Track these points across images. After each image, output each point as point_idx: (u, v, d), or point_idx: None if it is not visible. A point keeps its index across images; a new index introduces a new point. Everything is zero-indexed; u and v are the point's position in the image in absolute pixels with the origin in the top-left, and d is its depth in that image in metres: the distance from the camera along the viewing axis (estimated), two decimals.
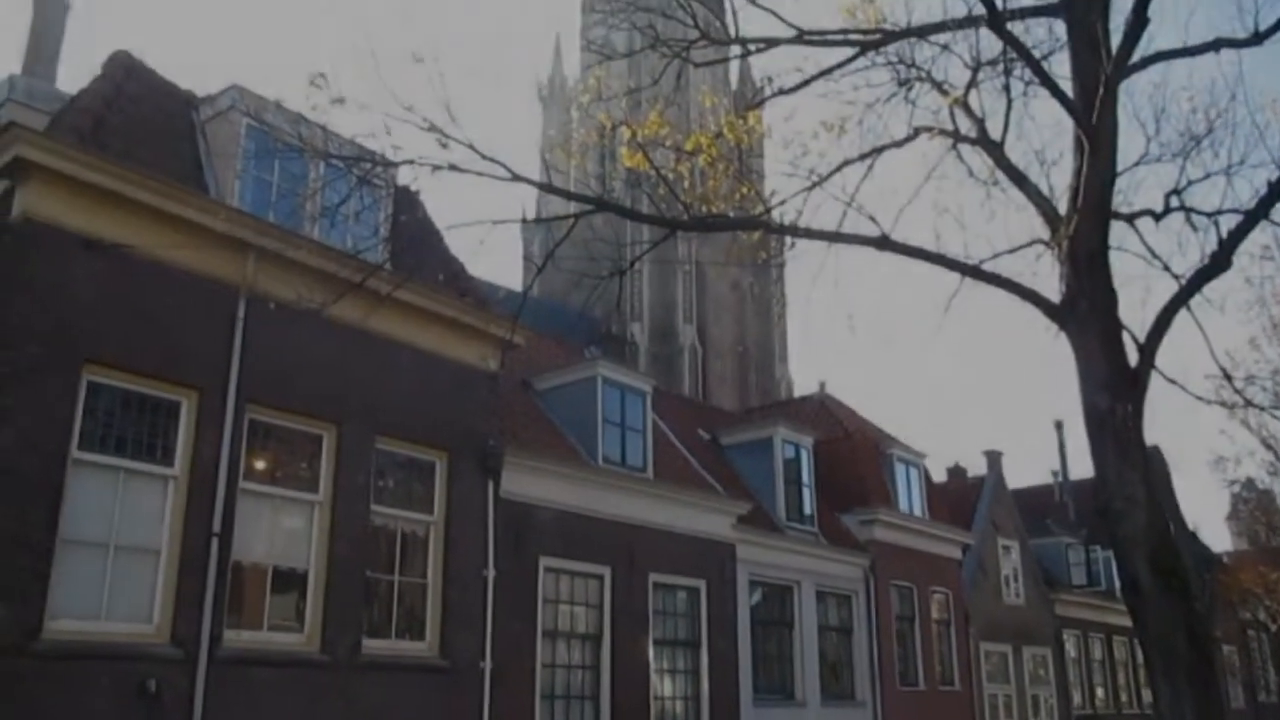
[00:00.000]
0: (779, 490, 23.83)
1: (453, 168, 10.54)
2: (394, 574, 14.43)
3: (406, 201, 15.81)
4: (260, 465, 13.02)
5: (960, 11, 11.27)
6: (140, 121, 13.54)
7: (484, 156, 10.50)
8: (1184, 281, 10.43)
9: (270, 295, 12.26)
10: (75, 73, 63.67)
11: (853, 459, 27.13)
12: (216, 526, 12.02)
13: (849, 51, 11.69)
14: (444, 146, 10.54)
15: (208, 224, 12.25)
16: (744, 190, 11.97)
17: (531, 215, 42.15)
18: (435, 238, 16.10)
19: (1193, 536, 44.14)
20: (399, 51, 10.59)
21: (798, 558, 23.29)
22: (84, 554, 11.06)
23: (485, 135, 12.99)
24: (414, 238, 15.84)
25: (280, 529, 13.23)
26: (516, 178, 10.66)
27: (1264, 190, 10.39)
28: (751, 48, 12.45)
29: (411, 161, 10.64)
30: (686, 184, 11.85)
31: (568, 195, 11.84)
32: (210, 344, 12.45)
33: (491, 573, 15.39)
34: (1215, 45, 10.65)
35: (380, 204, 14.35)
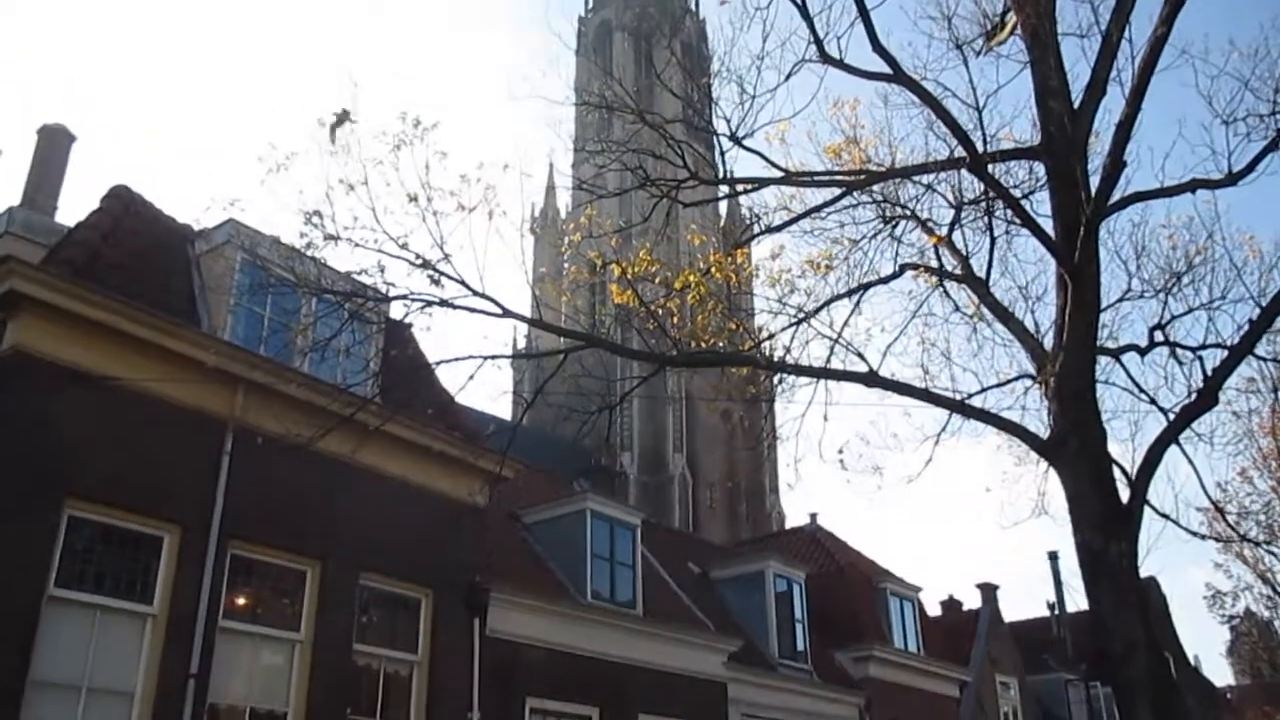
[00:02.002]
0: (771, 626, 23.38)
1: (444, 304, 10.66)
2: (376, 716, 14.00)
3: (398, 334, 15.89)
4: (241, 602, 12.76)
5: (943, 153, 11.56)
6: (136, 255, 13.68)
7: (475, 292, 10.63)
8: (1172, 417, 10.48)
9: (258, 429, 12.21)
10: (80, 202, 64.78)
11: (846, 593, 26.72)
12: (194, 667, 11.70)
13: (835, 191, 11.96)
14: (435, 283, 10.69)
15: (199, 358, 12.29)
16: (732, 326, 12.08)
17: (522, 345, 42.38)
18: (426, 371, 16.10)
19: (1195, 671, 43.30)
20: (394, 188, 10.83)
21: (791, 697, 22.71)
22: (55, 697, 10.71)
23: (477, 267, 13.16)
24: (404, 371, 15.88)
25: (259, 668, 12.88)
26: (507, 314, 10.77)
27: (1245, 326, 10.54)
28: (740, 188, 12.75)
29: (404, 297, 10.76)
30: (675, 319, 11.97)
31: (558, 331, 11.96)
32: (195, 478, 12.33)
33: (476, 715, 14.95)
34: (1192, 186, 10.93)
35: (371, 338, 14.42)
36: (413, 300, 10.63)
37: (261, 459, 12.42)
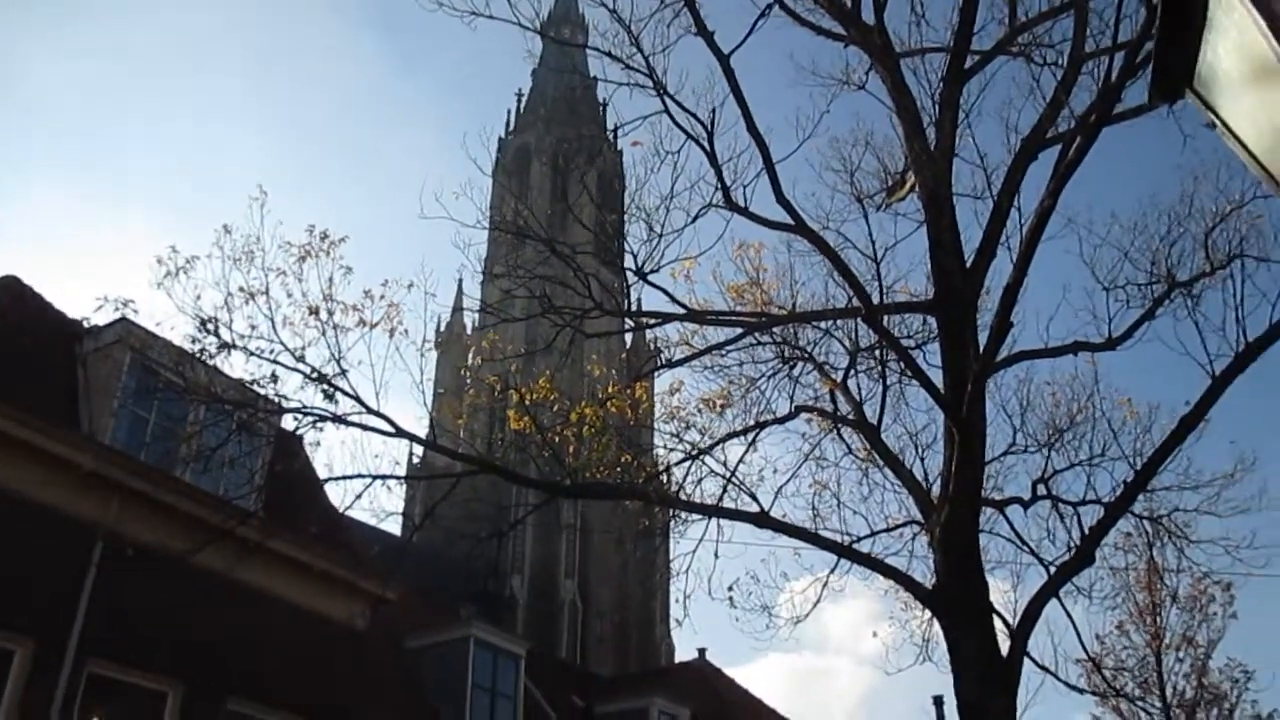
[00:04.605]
0: None
1: (337, 419, 10.49)
2: None
3: (287, 447, 15.51)
4: None
5: (842, 299, 11.92)
6: (18, 351, 13.23)
7: (370, 410, 10.50)
8: (1053, 570, 10.72)
9: (131, 539, 11.72)
10: None
11: None
12: None
13: (736, 330, 12.20)
14: (330, 398, 10.54)
15: (75, 460, 11.81)
16: (626, 459, 12.08)
17: (417, 465, 41.65)
18: (314, 486, 15.73)
19: None
20: (296, 299, 10.73)
21: None
22: None
23: (375, 384, 12.93)
24: (291, 485, 15.46)
25: None
26: (401, 433, 10.63)
27: (1121, 486, 10.92)
28: (643, 322, 12.92)
29: (297, 410, 10.57)
30: (572, 449, 11.93)
31: (452, 454, 11.81)
32: (56, 589, 11.70)
33: None
34: (1074, 349, 11.43)
35: (259, 450, 14.04)
36: (305, 414, 10.46)
37: (130, 571, 11.88)
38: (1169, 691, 28.61)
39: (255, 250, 10.77)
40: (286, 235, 10.79)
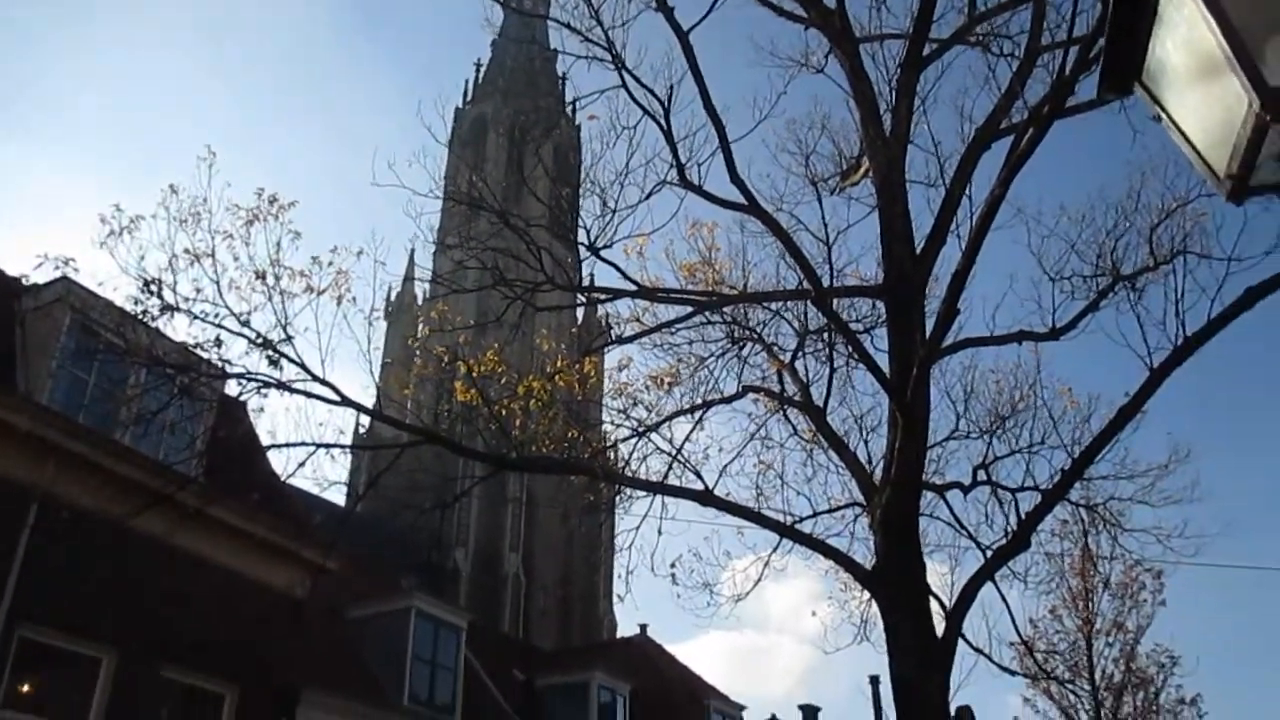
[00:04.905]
0: None
1: (281, 386, 10.36)
2: None
3: (230, 413, 15.30)
4: (25, 690, 11.81)
5: (793, 281, 11.98)
6: None
7: (315, 377, 10.38)
8: (989, 556, 10.89)
9: (67, 502, 11.50)
10: None
11: (670, 709, 26.46)
12: None
13: (687, 308, 12.21)
14: (275, 364, 10.40)
15: (10, 421, 11.56)
16: (573, 434, 12.07)
17: (364, 435, 41.34)
18: (256, 453, 15.53)
19: None
20: (242, 263, 10.57)
21: None
22: None
23: (321, 352, 12.76)
24: (233, 451, 15.26)
25: None
26: (346, 402, 10.52)
27: (1059, 474, 11.11)
28: (594, 297, 12.90)
29: (240, 376, 10.42)
30: (519, 422, 11.89)
31: (398, 424, 11.73)
32: None
33: None
34: (1018, 337, 11.59)
35: (201, 415, 13.83)
36: (249, 380, 10.32)
37: (66, 535, 11.67)
38: (1098, 675, 29.34)
39: (202, 212, 10.58)
40: (235, 198, 10.62)
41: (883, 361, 10.66)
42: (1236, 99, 2.11)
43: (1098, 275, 11.34)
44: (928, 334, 10.21)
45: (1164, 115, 2.46)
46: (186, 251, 10.45)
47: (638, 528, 11.74)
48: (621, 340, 12.58)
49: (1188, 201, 10.78)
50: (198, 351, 10.62)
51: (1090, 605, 28.74)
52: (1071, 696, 29.21)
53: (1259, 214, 10.24)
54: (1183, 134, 2.40)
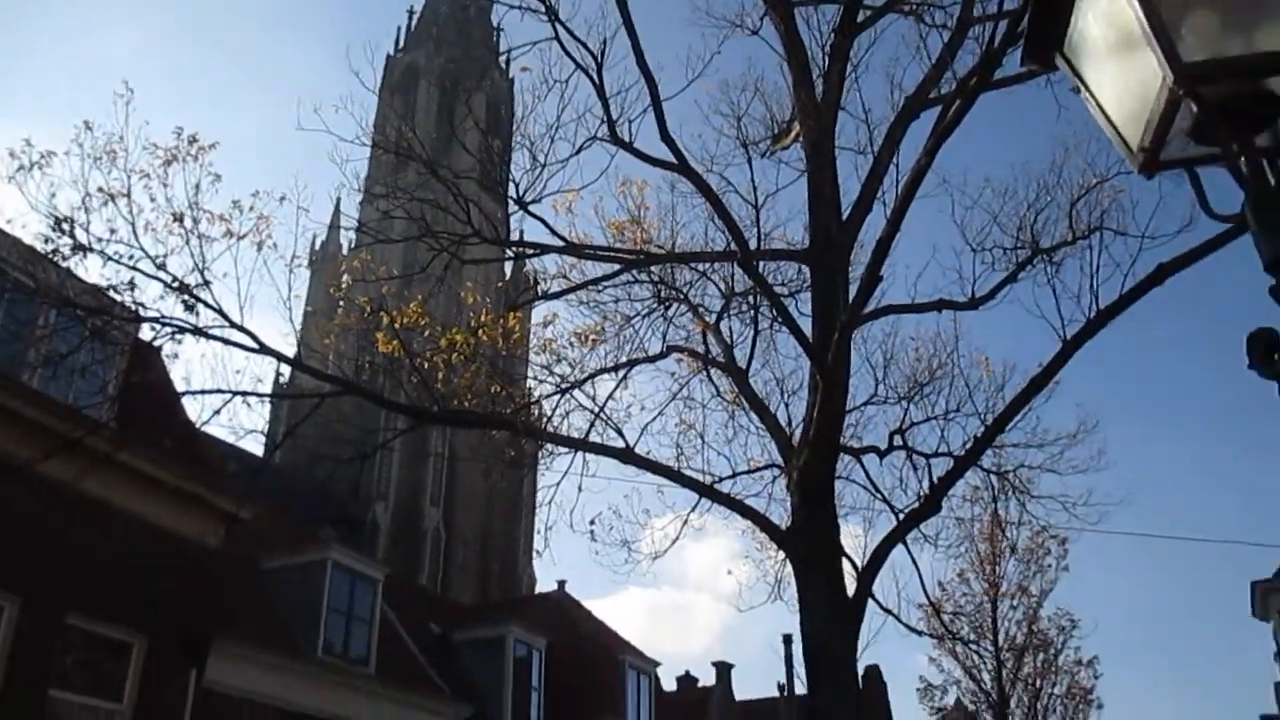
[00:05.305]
0: (507, 693, 23.03)
1: (197, 332, 10.13)
2: None
3: (143, 357, 14.93)
4: None
5: (721, 243, 12.04)
6: None
7: (232, 324, 10.18)
8: (901, 518, 11.14)
9: None
10: None
11: (585, 664, 26.69)
12: None
13: (614, 266, 12.21)
14: (191, 309, 10.17)
15: None
16: (497, 389, 12.04)
17: (284, 381, 40.67)
18: (170, 399, 15.21)
19: None
20: (160, 205, 10.28)
21: None
22: None
23: (239, 299, 12.45)
24: (147, 397, 14.91)
25: None
26: (264, 350, 10.34)
27: (971, 441, 11.38)
28: (522, 252, 12.82)
29: (155, 320, 10.17)
30: (441, 376, 11.82)
31: (318, 375, 11.57)
32: None
33: None
34: (938, 306, 11.79)
35: (113, 359, 13.50)
36: (164, 325, 10.08)
37: None
38: (1001, 636, 30.36)
39: (118, 150, 10.27)
40: (153, 137, 10.32)
41: (806, 326, 10.79)
42: (1152, 73, 2.15)
43: (1018, 247, 11.57)
44: (851, 299, 10.34)
45: (1083, 87, 2.50)
46: (100, 190, 10.16)
47: (558, 484, 11.79)
48: (548, 296, 12.54)
49: (1107, 178, 11.04)
50: (111, 294, 10.35)
51: (997, 569, 29.65)
52: (975, 657, 30.21)
53: (1173, 191, 10.52)
54: (1100, 106, 2.44)
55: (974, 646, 28.10)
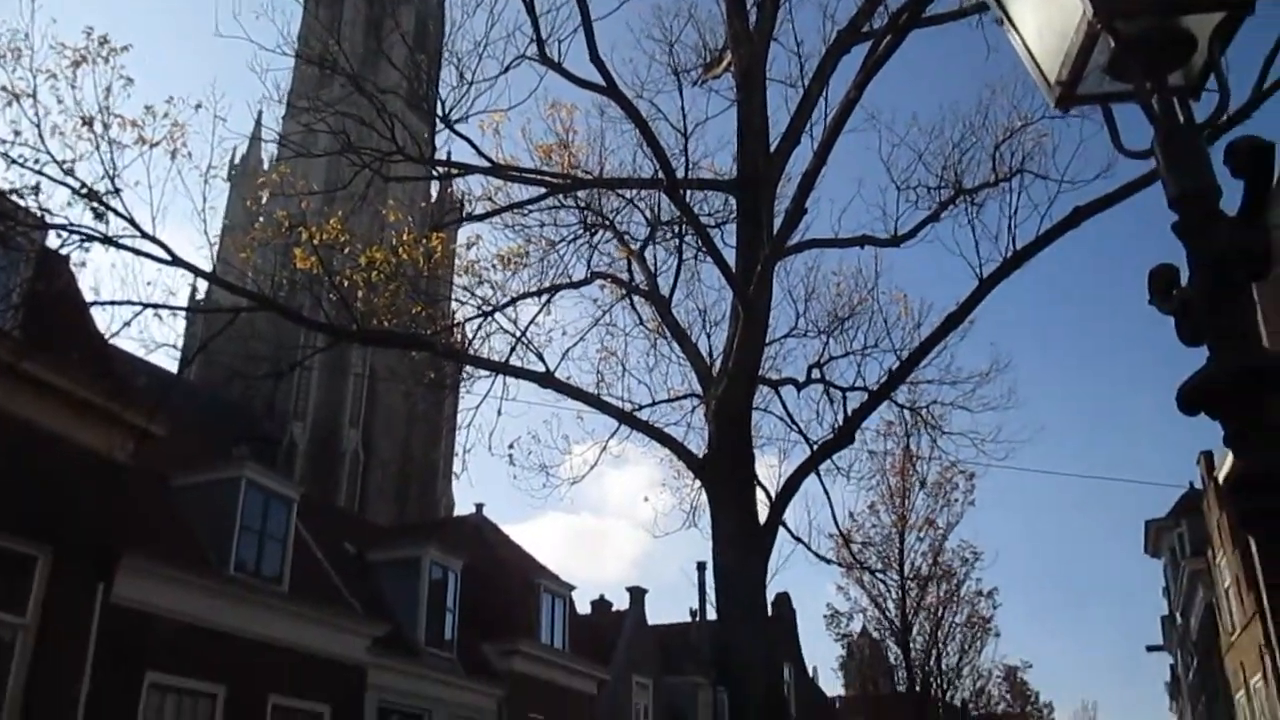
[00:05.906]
0: (422, 613, 23.16)
1: (107, 241, 9.85)
2: None
3: (50, 266, 14.45)
4: None
5: (649, 171, 11.97)
6: None
7: (144, 234, 9.90)
8: (815, 449, 11.35)
9: None
10: None
11: (501, 587, 26.92)
12: None
13: (540, 190, 12.09)
14: (100, 217, 9.86)
15: None
16: (418, 309, 11.91)
17: (201, 295, 39.72)
18: (78, 310, 14.76)
19: (811, 681, 46.94)
20: (68, 107, 9.90)
21: (432, 685, 22.58)
22: None
23: (152, 209, 12.10)
24: (53, 307, 14.45)
25: None
26: (176, 261, 10.09)
27: (885, 376, 11.59)
28: (446, 171, 12.60)
29: (61, 227, 9.85)
30: (362, 294, 11.65)
31: (235, 290, 11.31)
32: None
33: (85, 687, 13.79)
34: (861, 242, 11.89)
35: (17, 266, 13.04)
36: (72, 232, 9.77)
37: None
38: (907, 567, 31.41)
39: (23, 48, 9.86)
40: (61, 36, 9.89)
41: (730, 257, 10.83)
42: (1073, 6, 2.16)
43: (941, 187, 11.70)
44: (775, 231, 10.39)
45: (1007, 20, 2.51)
46: (4, 89, 9.77)
47: (478, 407, 11.77)
48: (472, 218, 12.40)
49: (1031, 121, 11.18)
50: (14, 198, 10.00)
51: (906, 502, 30.54)
52: (882, 586, 31.23)
53: (1093, 136, 10.70)
54: (1022, 39, 2.45)
55: (881, 576, 28.99)
